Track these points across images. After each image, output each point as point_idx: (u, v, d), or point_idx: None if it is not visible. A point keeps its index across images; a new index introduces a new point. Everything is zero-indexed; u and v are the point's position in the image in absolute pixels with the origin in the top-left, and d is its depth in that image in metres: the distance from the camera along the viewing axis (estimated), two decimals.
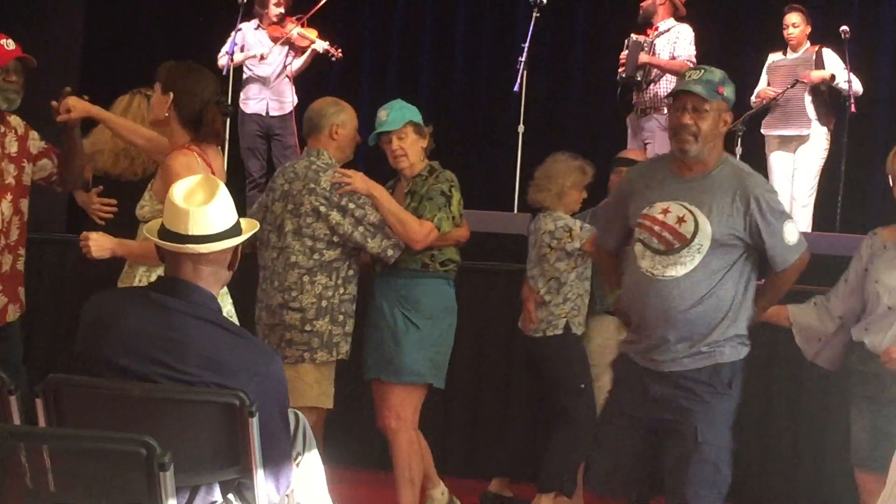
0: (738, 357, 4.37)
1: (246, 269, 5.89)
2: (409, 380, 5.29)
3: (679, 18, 8.63)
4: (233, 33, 8.71)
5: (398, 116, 5.34)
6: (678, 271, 4.29)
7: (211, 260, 3.36)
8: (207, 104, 4.50)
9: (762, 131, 8.49)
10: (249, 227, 3.47)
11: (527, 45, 8.22)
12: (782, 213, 4.40)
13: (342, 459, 5.35)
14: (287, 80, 8.87)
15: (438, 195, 5.28)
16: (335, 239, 5.20)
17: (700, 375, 4.32)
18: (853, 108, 8.23)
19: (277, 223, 5.26)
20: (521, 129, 8.41)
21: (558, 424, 5.73)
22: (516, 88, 8.22)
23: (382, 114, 5.37)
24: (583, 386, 5.73)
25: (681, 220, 4.30)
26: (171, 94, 4.51)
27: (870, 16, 9.40)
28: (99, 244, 4.43)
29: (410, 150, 5.35)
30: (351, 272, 5.28)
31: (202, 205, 3.34)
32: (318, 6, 8.90)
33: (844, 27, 8.30)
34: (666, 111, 7.94)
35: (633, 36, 8.57)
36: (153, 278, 4.44)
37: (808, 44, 8.41)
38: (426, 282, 5.32)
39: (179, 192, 3.36)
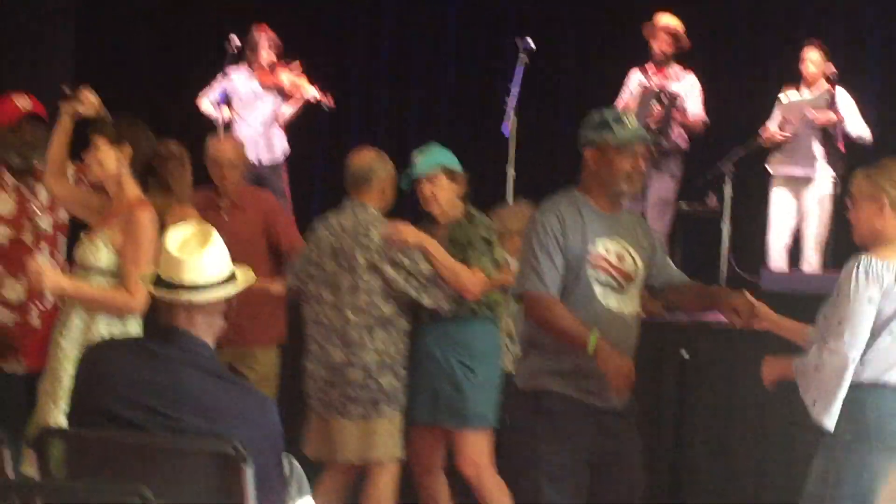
0: None
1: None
2: (478, 425, 5.32)
3: (681, 56, 8.60)
4: (219, 77, 8.68)
5: (430, 161, 5.38)
6: (634, 307, 4.49)
7: (205, 309, 3.37)
8: (154, 156, 4.61)
9: (767, 167, 8.39)
10: (244, 276, 3.47)
11: (516, 88, 8.25)
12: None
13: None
14: (277, 128, 8.87)
15: (480, 241, 5.30)
16: (390, 292, 5.22)
17: (630, 408, 4.50)
18: (842, 149, 8.20)
19: (331, 281, 5.28)
20: (511, 172, 8.42)
21: None
22: (506, 132, 8.24)
23: (416, 158, 5.42)
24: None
25: (620, 257, 4.46)
26: (126, 147, 4.58)
27: (855, 56, 9.44)
28: (53, 280, 4.43)
29: (441, 196, 5.37)
30: (406, 326, 5.32)
31: (195, 253, 3.35)
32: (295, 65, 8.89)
33: (831, 66, 8.26)
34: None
35: (653, 87, 8.49)
36: (100, 329, 4.46)
37: (825, 83, 8.26)
38: (477, 326, 5.36)
39: (174, 240, 3.38)
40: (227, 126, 8.64)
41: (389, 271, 5.21)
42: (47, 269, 4.47)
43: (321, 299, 5.33)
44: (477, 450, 5.35)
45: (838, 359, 3.96)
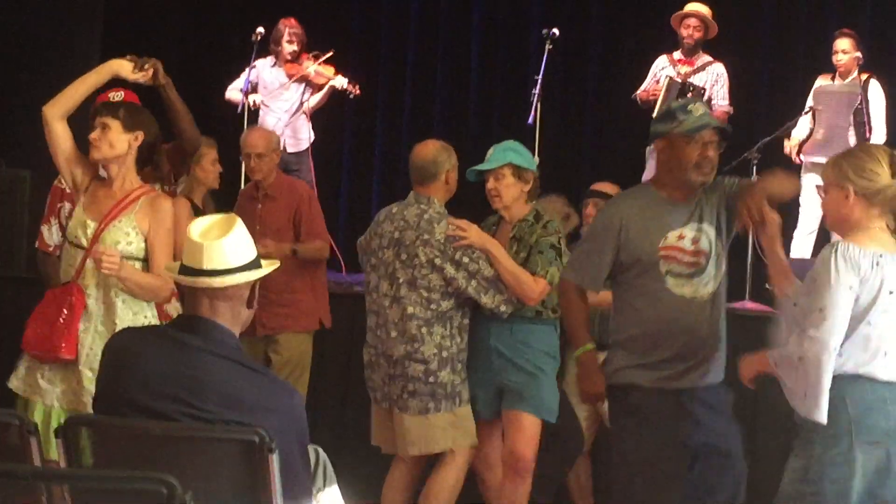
0: None
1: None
2: (545, 416, 5.30)
3: (708, 45, 8.56)
4: (247, 70, 8.73)
5: (499, 157, 5.35)
6: (712, 286, 4.58)
7: (227, 296, 3.37)
8: (157, 145, 4.62)
9: (801, 156, 8.33)
10: (270, 264, 3.47)
11: (540, 77, 8.22)
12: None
13: (364, 494, 5.41)
14: (304, 116, 8.89)
15: (549, 248, 5.25)
16: (449, 290, 5.20)
17: (722, 389, 4.63)
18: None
19: (389, 271, 5.26)
20: (535, 160, 8.41)
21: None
22: (530, 121, 8.22)
23: (489, 152, 5.40)
24: None
25: (695, 240, 4.55)
26: (140, 134, 4.59)
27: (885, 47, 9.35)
28: (112, 260, 4.43)
29: (505, 192, 5.33)
30: (465, 322, 5.29)
31: (217, 239, 3.36)
32: (328, 55, 8.91)
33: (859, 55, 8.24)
34: None
35: (676, 79, 8.45)
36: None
37: (857, 72, 8.23)
38: (539, 328, 5.33)
39: (197, 228, 3.39)
40: (252, 112, 8.68)
41: (450, 270, 5.17)
42: (111, 251, 4.50)
43: (380, 290, 5.30)
44: (530, 441, 5.29)
45: (819, 346, 3.81)
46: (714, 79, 8.49)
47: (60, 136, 4.76)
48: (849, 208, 3.95)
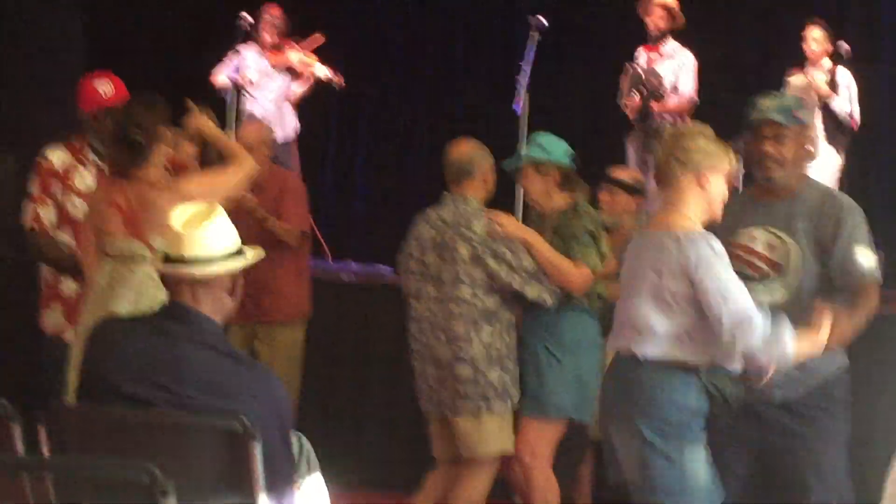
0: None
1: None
2: (549, 414, 5.23)
3: (678, 33, 8.59)
4: (230, 54, 8.68)
5: (521, 154, 5.38)
6: (779, 298, 4.23)
7: (209, 285, 3.38)
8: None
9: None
10: (253, 254, 3.48)
11: (528, 66, 8.22)
12: (861, 236, 4.29)
13: (349, 482, 5.39)
14: (288, 106, 8.88)
15: (585, 235, 5.23)
16: (493, 285, 5.17)
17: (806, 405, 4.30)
18: (854, 127, 8.21)
19: (434, 274, 5.22)
20: (523, 151, 8.40)
21: None
22: (517, 109, 8.22)
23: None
24: None
25: (770, 246, 4.29)
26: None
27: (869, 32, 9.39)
28: None
29: (531, 189, 5.34)
30: (511, 318, 5.24)
31: (198, 228, 3.36)
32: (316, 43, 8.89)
33: (844, 45, 8.27)
34: None
35: (638, 70, 8.47)
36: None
37: (828, 62, 8.30)
38: (571, 315, 5.26)
39: (178, 217, 3.39)
40: (239, 93, 8.63)
41: (492, 264, 5.13)
42: None
43: (424, 294, 5.24)
44: (541, 439, 5.25)
45: (760, 327, 3.88)
46: (679, 66, 8.47)
47: None
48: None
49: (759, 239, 4.30)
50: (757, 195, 4.42)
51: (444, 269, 5.19)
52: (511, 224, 5.21)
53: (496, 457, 5.25)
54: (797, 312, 4.09)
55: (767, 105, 4.37)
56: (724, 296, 3.90)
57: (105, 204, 4.53)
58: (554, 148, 5.38)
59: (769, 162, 4.32)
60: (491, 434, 5.17)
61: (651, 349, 3.98)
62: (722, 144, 4.15)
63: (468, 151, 5.34)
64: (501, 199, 5.56)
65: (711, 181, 4.07)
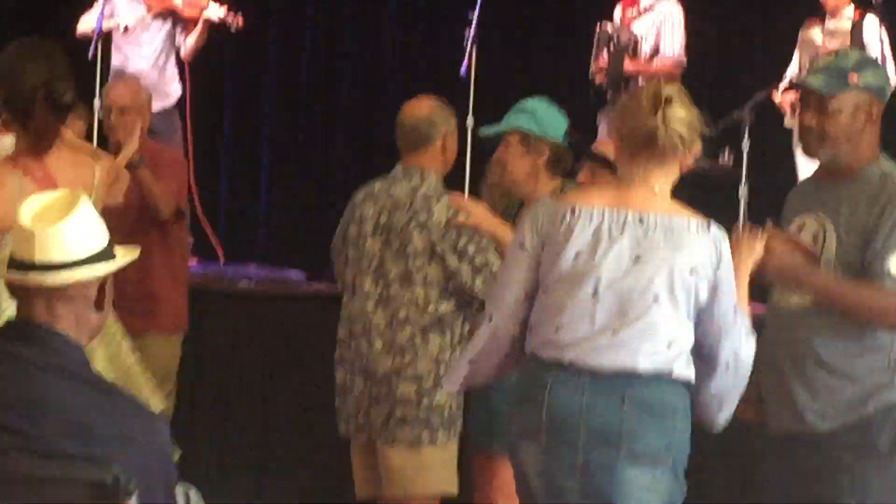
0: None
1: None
2: None
3: None
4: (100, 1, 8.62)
5: (509, 121, 5.28)
6: (805, 298, 4.33)
7: (69, 296, 3.31)
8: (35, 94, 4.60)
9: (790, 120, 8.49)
10: (125, 254, 3.42)
11: (475, 18, 8.22)
12: None
13: None
14: (172, 64, 8.81)
15: None
16: (450, 287, 5.15)
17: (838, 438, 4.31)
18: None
19: (374, 265, 5.21)
20: (469, 122, 8.42)
21: None
22: (463, 72, 8.23)
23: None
24: None
25: (815, 237, 4.35)
26: None
27: None
28: None
29: (513, 165, 5.24)
30: (465, 329, 5.22)
31: (54, 224, 3.29)
32: None
33: None
34: None
35: (607, 27, 8.49)
36: None
37: (852, 8, 8.44)
38: None
39: (29, 209, 3.31)
40: (104, 45, 8.58)
41: (452, 261, 5.13)
42: None
43: (360, 291, 5.23)
44: (501, 484, 5.23)
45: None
46: (661, 21, 8.49)
47: None
48: None
49: (808, 228, 4.36)
50: (819, 174, 4.51)
51: (391, 261, 5.19)
52: (479, 213, 5.12)
53: (435, 499, 5.28)
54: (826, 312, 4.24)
55: (816, 65, 4.42)
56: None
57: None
58: (550, 119, 5.31)
59: (809, 137, 4.35)
60: (431, 470, 5.19)
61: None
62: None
63: (426, 110, 5.34)
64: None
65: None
